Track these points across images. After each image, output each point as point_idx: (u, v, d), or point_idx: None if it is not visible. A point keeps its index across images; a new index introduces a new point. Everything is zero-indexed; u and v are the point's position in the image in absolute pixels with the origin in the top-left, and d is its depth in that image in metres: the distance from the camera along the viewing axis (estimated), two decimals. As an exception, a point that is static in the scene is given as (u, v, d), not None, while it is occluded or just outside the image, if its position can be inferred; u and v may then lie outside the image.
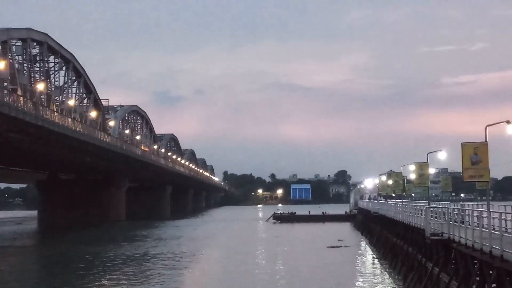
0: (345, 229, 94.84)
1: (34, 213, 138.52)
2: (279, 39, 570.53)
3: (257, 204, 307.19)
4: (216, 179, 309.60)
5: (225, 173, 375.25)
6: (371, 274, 42.03)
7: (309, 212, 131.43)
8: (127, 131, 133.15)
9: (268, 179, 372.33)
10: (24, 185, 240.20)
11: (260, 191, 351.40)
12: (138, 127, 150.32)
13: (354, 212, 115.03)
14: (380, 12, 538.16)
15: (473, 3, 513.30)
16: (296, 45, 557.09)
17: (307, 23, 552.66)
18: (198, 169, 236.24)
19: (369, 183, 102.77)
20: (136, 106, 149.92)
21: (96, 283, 38.96)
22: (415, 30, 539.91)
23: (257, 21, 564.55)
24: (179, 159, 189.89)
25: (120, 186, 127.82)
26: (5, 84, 70.95)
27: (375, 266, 46.89)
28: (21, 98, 69.27)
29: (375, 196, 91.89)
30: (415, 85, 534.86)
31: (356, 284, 37.62)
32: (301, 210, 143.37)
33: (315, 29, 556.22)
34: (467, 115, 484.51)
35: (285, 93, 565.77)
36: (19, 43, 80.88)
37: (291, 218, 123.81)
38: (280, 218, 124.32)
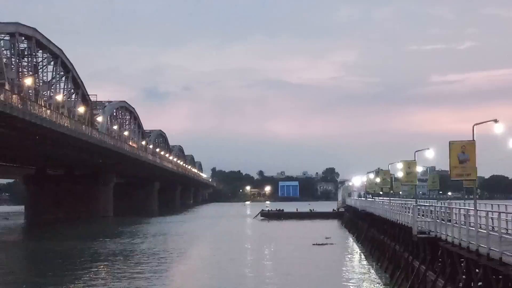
0: (333, 226, 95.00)
1: (22, 208, 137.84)
2: (268, 36, 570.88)
3: (245, 201, 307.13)
4: (204, 175, 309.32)
5: (213, 169, 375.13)
6: (358, 271, 42.09)
7: (296, 209, 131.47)
8: (115, 127, 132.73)
9: (256, 176, 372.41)
10: (12, 180, 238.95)
11: (248, 188, 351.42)
12: (126, 123, 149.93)
13: (342, 209, 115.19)
14: (369, 9, 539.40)
15: (462, 2, 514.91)
16: (285, 42, 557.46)
17: (296, 20, 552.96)
18: (186, 166, 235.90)
19: (357, 180, 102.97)
20: (125, 102, 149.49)
21: (82, 279, 38.84)
22: (404, 28, 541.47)
23: (247, 17, 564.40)
24: (167, 155, 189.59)
25: (108, 182, 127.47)
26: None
27: (362, 263, 46.97)
28: (9, 93, 68.94)
29: (363, 193, 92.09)
30: (404, 83, 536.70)
31: (343, 281, 37.64)
32: (289, 207, 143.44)
33: (305, 26, 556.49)
34: (455, 114, 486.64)
35: (274, 90, 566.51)
36: (7, 38, 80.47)
37: (278, 215, 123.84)
38: (267, 215, 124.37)
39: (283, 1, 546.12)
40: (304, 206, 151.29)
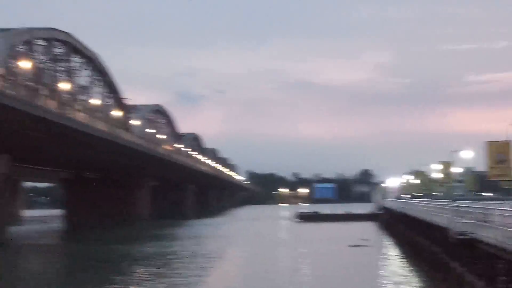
0: (369, 228, 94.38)
1: (60, 212, 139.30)
2: (300, 37, 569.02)
3: (280, 203, 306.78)
4: (239, 178, 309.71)
5: (248, 172, 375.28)
6: (395, 273, 41.69)
7: (332, 211, 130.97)
8: (150, 130, 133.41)
9: (291, 178, 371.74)
10: (50, 184, 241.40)
11: (283, 190, 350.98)
12: (161, 126, 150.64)
13: (378, 211, 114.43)
14: (400, 9, 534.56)
15: (493, 1, 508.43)
16: (317, 43, 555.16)
17: (327, 21, 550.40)
18: (221, 168, 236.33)
19: (393, 182, 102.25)
20: (159, 105, 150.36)
21: (121, 281, 39.02)
22: (437, 27, 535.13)
23: (278, 19, 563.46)
24: (202, 158, 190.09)
25: (144, 185, 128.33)
26: (29, 83, 71.42)
27: (399, 265, 46.53)
28: (45, 98, 69.72)
29: (399, 195, 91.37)
30: (437, 83, 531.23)
31: (380, 283, 37.31)
32: (325, 209, 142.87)
33: (335, 26, 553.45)
34: (489, 114, 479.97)
35: (306, 91, 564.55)
36: (42, 43, 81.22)
37: (314, 217, 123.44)
38: (303, 217, 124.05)
39: (313, 2, 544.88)
40: (339, 208, 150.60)
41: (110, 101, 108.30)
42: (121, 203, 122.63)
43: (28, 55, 73.87)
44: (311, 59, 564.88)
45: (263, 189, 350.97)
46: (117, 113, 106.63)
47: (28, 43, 75.27)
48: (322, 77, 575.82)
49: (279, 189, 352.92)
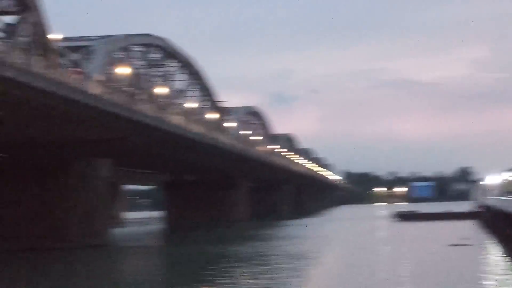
0: (469, 227, 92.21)
1: (161, 213, 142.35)
2: (394, 34, 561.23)
3: (377, 203, 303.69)
4: (334, 177, 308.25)
5: (344, 171, 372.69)
6: (498, 273, 40.62)
7: (430, 210, 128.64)
8: (245, 132, 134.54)
9: (388, 177, 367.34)
10: (151, 187, 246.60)
11: (380, 189, 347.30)
12: (256, 128, 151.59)
13: (478, 209, 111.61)
14: (498, 3, 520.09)
15: None
16: (412, 41, 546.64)
17: (422, 17, 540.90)
18: (316, 168, 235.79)
19: (494, 179, 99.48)
20: (253, 107, 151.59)
21: (223, 280, 39.48)
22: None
23: (371, 17, 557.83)
24: (297, 158, 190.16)
25: (241, 186, 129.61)
26: (127, 89, 73.31)
27: (502, 265, 45.28)
28: (144, 102, 71.42)
29: (502, 192, 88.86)
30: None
31: (483, 283, 36.45)
32: (422, 208, 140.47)
33: (431, 23, 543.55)
34: None
35: (401, 89, 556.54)
36: (140, 49, 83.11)
37: (412, 216, 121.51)
38: (401, 216, 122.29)
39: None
40: (438, 207, 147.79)
41: (206, 104, 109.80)
42: (219, 204, 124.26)
43: (126, 61, 75.81)
44: (406, 57, 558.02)
45: (359, 188, 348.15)
46: (212, 115, 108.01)
47: (126, 49, 77.20)
48: (418, 75, 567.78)
49: (376, 188, 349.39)
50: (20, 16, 54.32)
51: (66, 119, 57.15)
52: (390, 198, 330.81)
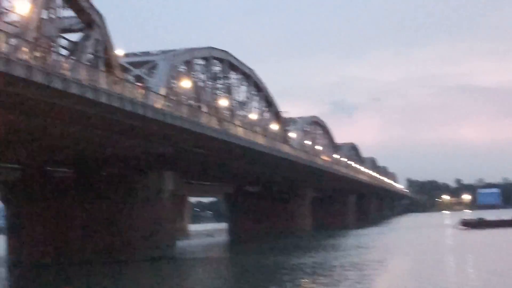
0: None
1: (224, 225, 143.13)
2: (453, 39, 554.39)
3: (443, 210, 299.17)
4: (399, 186, 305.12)
5: (408, 179, 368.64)
6: None
7: (498, 217, 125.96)
8: (307, 142, 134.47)
9: (453, 184, 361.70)
10: (213, 199, 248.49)
11: (445, 196, 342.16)
12: (318, 137, 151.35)
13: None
14: None
15: None
16: (471, 45, 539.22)
17: (480, 22, 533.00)
18: (380, 177, 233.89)
19: None
20: (315, 116, 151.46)
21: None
22: None
23: (430, 22, 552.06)
24: (360, 167, 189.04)
25: (304, 196, 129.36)
26: (190, 102, 74.18)
27: None
28: (206, 115, 72.09)
29: None
30: None
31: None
32: (489, 215, 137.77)
33: (490, 27, 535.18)
34: None
35: (463, 94, 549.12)
36: (201, 62, 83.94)
37: (479, 224, 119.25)
38: (467, 224, 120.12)
39: (465, 3, 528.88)
40: (505, 214, 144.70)
41: (268, 115, 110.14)
42: (282, 215, 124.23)
43: (188, 74, 76.71)
44: (470, 61, 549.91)
45: (424, 196, 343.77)
46: (274, 126, 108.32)
47: (188, 63, 78.05)
48: (482, 79, 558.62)
49: (441, 196, 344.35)
50: (84, 33, 55.50)
51: (131, 134, 58.10)
52: (455, 205, 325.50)
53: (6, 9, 44.87)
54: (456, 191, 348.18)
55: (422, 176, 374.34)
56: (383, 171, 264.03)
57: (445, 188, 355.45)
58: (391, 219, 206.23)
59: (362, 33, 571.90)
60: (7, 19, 45.18)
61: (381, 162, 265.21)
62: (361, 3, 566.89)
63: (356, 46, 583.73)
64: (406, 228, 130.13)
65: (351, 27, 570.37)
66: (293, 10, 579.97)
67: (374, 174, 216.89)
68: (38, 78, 40.24)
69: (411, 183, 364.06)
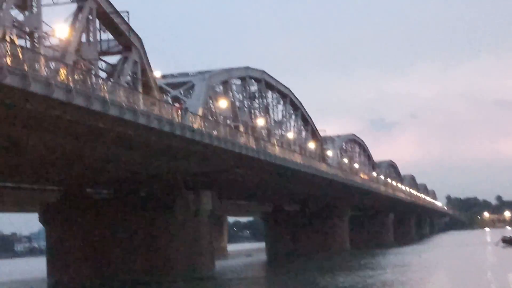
0: None
1: (262, 245, 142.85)
2: (494, 54, 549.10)
3: (483, 228, 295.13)
4: (438, 203, 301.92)
5: (448, 197, 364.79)
6: None
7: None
8: (345, 160, 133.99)
9: (494, 201, 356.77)
10: (251, 218, 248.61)
11: (486, 214, 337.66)
12: (356, 155, 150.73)
13: None
14: None
15: None
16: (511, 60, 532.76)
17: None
18: (419, 195, 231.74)
19: None
20: (353, 134, 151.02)
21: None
22: None
23: (471, 37, 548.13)
24: (399, 185, 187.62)
25: (343, 215, 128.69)
26: (228, 122, 74.48)
27: None
28: (244, 135, 72.27)
29: None
30: None
31: None
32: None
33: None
34: None
35: (503, 110, 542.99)
36: (238, 82, 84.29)
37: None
38: (510, 242, 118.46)
39: (508, 19, 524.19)
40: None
41: (305, 134, 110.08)
42: (321, 234, 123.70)
43: (225, 94, 77.08)
44: (508, 76, 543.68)
45: (465, 213, 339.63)
46: (312, 144, 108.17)
47: (225, 83, 78.44)
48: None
49: (481, 213, 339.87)
50: (122, 55, 56.12)
51: (169, 154, 58.41)
52: (498, 223, 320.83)
53: (47, 33, 45.51)
54: (497, 208, 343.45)
55: (462, 193, 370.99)
56: (422, 188, 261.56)
57: (486, 205, 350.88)
58: (431, 237, 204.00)
59: (401, 50, 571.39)
60: (47, 43, 45.83)
61: (420, 180, 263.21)
62: (400, 20, 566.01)
63: (394, 63, 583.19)
64: (446, 246, 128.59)
65: (389, 43, 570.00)
66: (331, 27, 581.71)
67: (413, 191, 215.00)
68: (78, 100, 40.71)
69: (450, 200, 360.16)
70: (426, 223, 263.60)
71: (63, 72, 40.22)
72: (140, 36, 56.60)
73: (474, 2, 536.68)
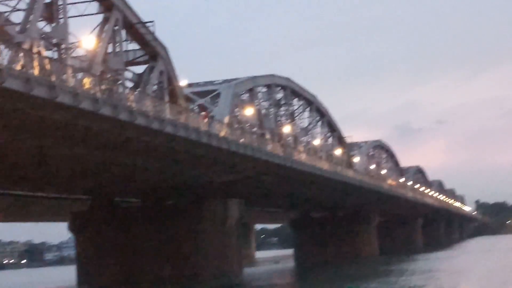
0: None
1: (290, 251, 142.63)
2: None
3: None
4: (467, 209, 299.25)
5: (477, 202, 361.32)
6: None
7: None
8: (372, 166, 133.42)
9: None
10: (279, 225, 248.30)
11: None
12: (383, 162, 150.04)
13: None
14: None
15: None
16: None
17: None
18: (448, 200, 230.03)
19: None
20: (379, 140, 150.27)
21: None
22: None
23: (499, 44, 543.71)
24: (427, 191, 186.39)
25: (371, 221, 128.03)
26: (254, 129, 74.54)
27: None
28: (270, 142, 72.29)
29: None
30: None
31: None
32: None
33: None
34: None
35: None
36: (264, 89, 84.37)
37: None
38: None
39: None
40: None
41: (331, 140, 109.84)
42: (349, 240, 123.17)
43: (251, 102, 77.16)
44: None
45: (493, 219, 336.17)
46: (338, 151, 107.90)
47: (251, 90, 78.55)
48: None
49: (511, 218, 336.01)
50: (148, 65, 56.46)
51: (196, 162, 58.60)
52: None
53: (73, 45, 45.96)
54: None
55: (490, 198, 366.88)
56: (450, 194, 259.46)
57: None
58: (460, 243, 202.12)
59: (428, 56, 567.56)
60: (74, 54, 46.29)
61: (448, 185, 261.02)
62: (427, 27, 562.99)
63: (421, 70, 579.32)
64: (475, 252, 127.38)
65: (417, 50, 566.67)
66: (358, 34, 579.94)
67: (441, 197, 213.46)
68: (105, 110, 41.02)
69: (479, 206, 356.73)
70: (454, 229, 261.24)
71: (89, 82, 40.59)
72: (165, 45, 56.96)
73: (501, 8, 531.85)
